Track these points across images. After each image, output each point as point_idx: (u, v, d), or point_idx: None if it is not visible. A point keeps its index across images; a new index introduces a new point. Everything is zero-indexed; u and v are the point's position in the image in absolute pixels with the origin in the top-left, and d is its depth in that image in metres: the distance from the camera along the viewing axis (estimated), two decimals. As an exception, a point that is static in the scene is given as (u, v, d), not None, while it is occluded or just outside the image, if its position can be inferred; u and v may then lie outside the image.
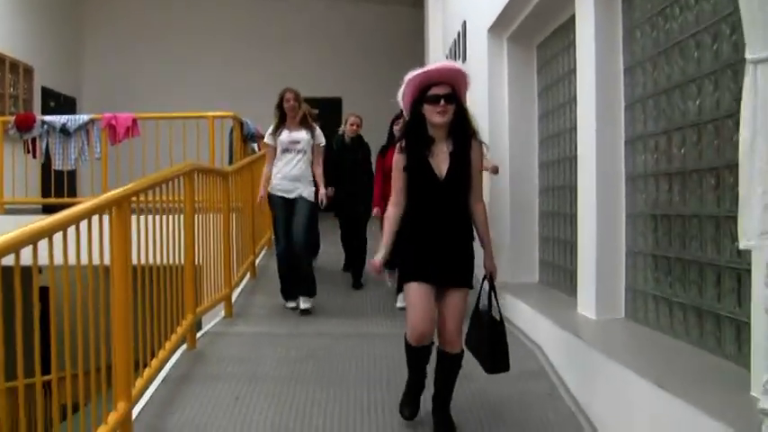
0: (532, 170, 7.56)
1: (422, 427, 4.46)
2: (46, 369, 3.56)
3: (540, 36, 7.41)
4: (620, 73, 5.21)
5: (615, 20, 5.24)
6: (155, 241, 5.02)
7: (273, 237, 8.26)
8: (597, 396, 4.49)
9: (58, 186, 10.87)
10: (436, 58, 12.52)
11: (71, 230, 3.53)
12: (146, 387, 4.76)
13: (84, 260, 3.70)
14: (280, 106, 7.71)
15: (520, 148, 7.61)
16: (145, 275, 4.68)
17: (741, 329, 3.68)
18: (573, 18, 5.81)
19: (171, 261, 5.36)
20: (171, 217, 5.49)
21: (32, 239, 3.09)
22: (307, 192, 7.62)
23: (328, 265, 9.47)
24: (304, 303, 7.54)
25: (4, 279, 2.98)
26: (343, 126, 9.07)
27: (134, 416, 4.36)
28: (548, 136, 7.21)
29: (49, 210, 11.33)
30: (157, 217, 5.08)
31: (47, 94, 14.97)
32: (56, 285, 3.36)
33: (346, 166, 8.77)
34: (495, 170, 6.84)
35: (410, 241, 4.29)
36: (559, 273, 6.72)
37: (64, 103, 15.67)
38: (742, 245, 2.71)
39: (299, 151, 7.62)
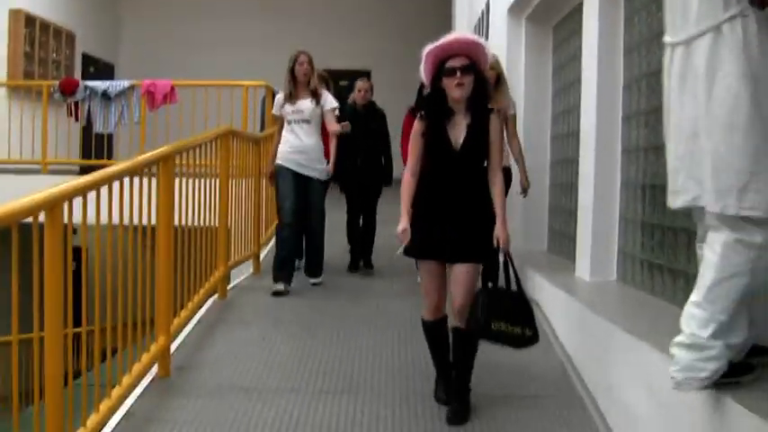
0: (545, 144, 8.01)
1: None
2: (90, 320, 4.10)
3: (556, 17, 7.84)
4: (620, 55, 5.66)
5: (617, 6, 5.69)
6: (193, 202, 5.60)
7: (278, 212, 7.42)
8: (584, 346, 5.01)
9: (97, 149, 11.50)
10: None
11: (116, 186, 4.06)
12: (182, 327, 5.35)
13: (127, 215, 4.24)
14: (292, 70, 7.12)
15: (534, 122, 8.02)
16: (184, 233, 5.24)
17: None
18: (584, 2, 6.26)
19: (206, 223, 5.98)
20: (207, 180, 6.08)
21: (80, 193, 3.57)
22: (318, 171, 7.15)
23: (331, 260, 7.98)
24: (314, 279, 7.37)
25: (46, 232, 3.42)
26: (352, 94, 8.20)
27: (171, 351, 4.94)
28: (560, 112, 7.64)
29: (86, 171, 11.97)
30: (195, 180, 5.65)
31: (87, 59, 15.56)
32: (101, 239, 3.90)
33: (358, 136, 7.75)
34: (524, 190, 6.88)
35: (421, 215, 4.29)
36: (564, 240, 7.18)
37: (103, 69, 16.26)
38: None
39: (303, 121, 7.08)
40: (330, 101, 7.26)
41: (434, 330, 4.44)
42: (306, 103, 7.09)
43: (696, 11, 2.83)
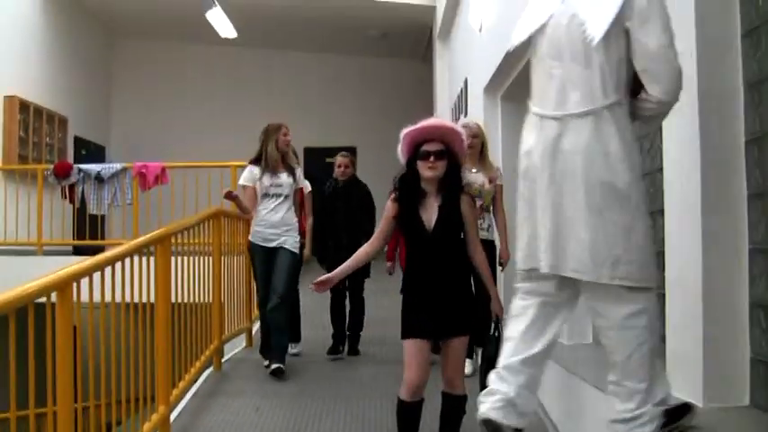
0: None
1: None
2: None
3: (528, 96, 8.24)
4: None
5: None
6: (187, 280, 5.93)
7: (256, 292, 7.33)
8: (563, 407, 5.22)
9: (90, 229, 11.83)
10: (443, 110, 13.43)
11: (117, 266, 4.38)
12: (180, 398, 5.62)
13: (128, 293, 4.56)
14: (276, 141, 6.91)
15: (510, 194, 8.37)
16: (180, 309, 5.56)
17: None
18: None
19: (201, 299, 6.30)
20: (200, 258, 6.41)
21: (88, 273, 3.91)
22: (291, 241, 6.91)
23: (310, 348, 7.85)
24: (293, 348, 7.35)
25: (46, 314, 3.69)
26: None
27: (171, 420, 5.21)
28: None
29: (79, 251, 12.32)
30: (189, 258, 5.98)
31: (78, 142, 15.93)
32: (106, 318, 4.20)
33: (340, 213, 7.59)
34: (502, 263, 6.65)
35: (407, 295, 4.45)
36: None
37: (94, 151, 16.61)
38: None
39: (281, 195, 6.90)
40: (303, 180, 7.27)
41: (410, 413, 4.42)
42: (284, 177, 6.95)
43: (577, 94, 3.06)
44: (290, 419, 5.62)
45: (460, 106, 11.19)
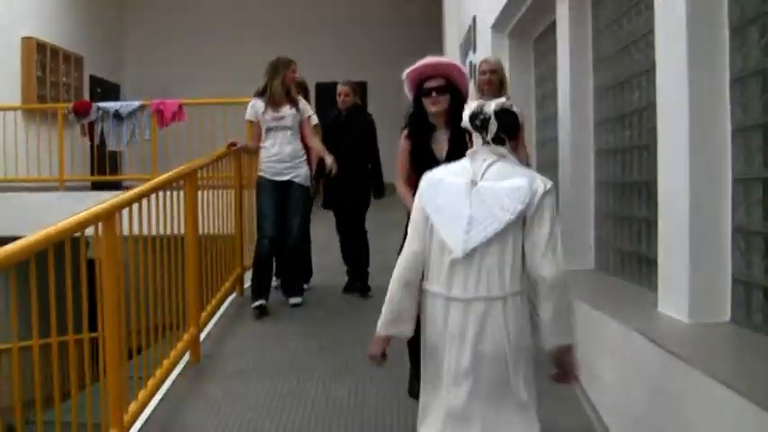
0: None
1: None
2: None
3: (534, 33, 8.51)
4: (590, 66, 6.32)
5: (585, 25, 6.35)
6: (211, 213, 6.31)
7: (256, 227, 7.21)
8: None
9: (110, 165, 12.20)
10: (452, 47, 13.67)
11: (151, 200, 4.72)
12: (207, 321, 6.04)
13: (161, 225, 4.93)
14: (282, 77, 6.93)
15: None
16: (204, 240, 5.95)
17: None
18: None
19: (223, 230, 6.67)
20: (222, 192, 6.77)
21: (128, 205, 4.27)
22: (302, 174, 6.97)
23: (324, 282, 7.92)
24: (294, 299, 7.05)
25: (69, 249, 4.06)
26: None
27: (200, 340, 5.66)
28: (544, 118, 8.30)
29: (97, 186, 12.72)
30: (211, 192, 6.36)
31: (94, 81, 16.21)
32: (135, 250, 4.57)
33: (341, 143, 7.28)
34: None
35: None
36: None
37: (109, 89, 16.91)
38: None
39: (285, 128, 6.93)
40: (308, 109, 7.18)
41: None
42: (287, 110, 6.94)
43: (489, 281, 3.13)
44: (309, 340, 6.07)
45: (469, 43, 11.41)
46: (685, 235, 3.84)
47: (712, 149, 3.79)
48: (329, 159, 6.86)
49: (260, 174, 7.02)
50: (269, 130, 6.95)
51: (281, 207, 6.92)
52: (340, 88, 7.60)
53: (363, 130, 7.57)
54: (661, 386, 3.61)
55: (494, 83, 6.40)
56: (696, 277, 3.81)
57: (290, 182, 6.91)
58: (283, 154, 6.90)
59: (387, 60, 16.87)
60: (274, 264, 7.22)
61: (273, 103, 6.94)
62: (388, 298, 3.32)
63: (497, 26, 8.96)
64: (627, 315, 4.28)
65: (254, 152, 7.16)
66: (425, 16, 17.22)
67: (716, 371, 3.08)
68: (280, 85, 6.92)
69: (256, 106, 7.04)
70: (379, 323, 3.37)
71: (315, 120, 7.37)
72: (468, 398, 3.12)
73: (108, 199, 4.00)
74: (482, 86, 6.41)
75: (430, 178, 3.45)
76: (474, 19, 10.69)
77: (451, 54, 13.84)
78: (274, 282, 7.34)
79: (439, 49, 15.59)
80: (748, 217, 3.67)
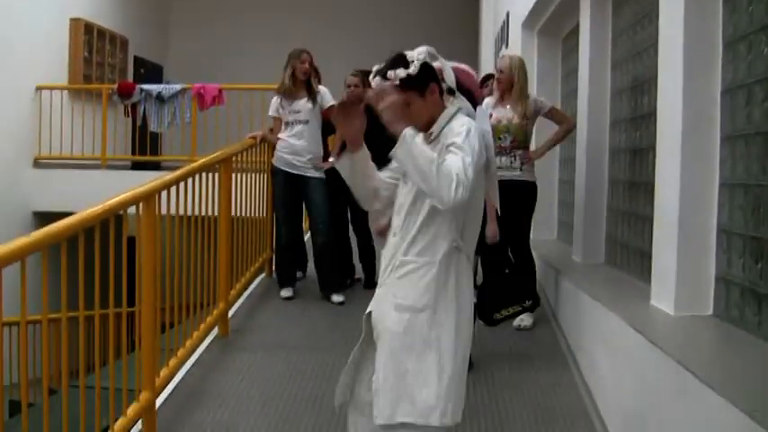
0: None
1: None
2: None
3: (563, 31, 8.80)
4: (608, 68, 6.61)
5: (606, 27, 6.63)
6: (244, 195, 6.70)
7: (275, 223, 7.40)
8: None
9: (151, 145, 12.68)
10: (487, 41, 13.95)
11: (188, 183, 5.10)
12: (236, 299, 6.45)
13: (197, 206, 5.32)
14: (291, 69, 6.92)
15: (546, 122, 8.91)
16: (236, 222, 6.32)
17: None
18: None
19: (254, 213, 7.04)
20: (254, 175, 7.14)
21: (167, 187, 4.65)
22: (318, 170, 6.90)
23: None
24: (337, 296, 6.89)
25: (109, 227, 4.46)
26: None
27: (229, 316, 6.06)
28: (571, 113, 8.55)
29: (137, 165, 13.20)
30: (244, 175, 6.73)
31: (137, 62, 16.66)
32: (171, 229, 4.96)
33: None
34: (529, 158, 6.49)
35: None
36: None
37: (152, 70, 17.33)
38: None
39: (300, 122, 6.88)
40: (328, 98, 6.99)
41: None
42: (302, 103, 6.90)
43: None
44: (332, 318, 6.47)
45: (503, 38, 11.69)
46: (674, 233, 4.16)
47: (702, 155, 4.11)
48: (328, 162, 6.79)
49: (273, 163, 7.05)
50: (287, 123, 6.95)
51: (296, 200, 6.98)
52: (349, 79, 7.15)
53: (374, 123, 7.35)
54: (643, 373, 3.94)
55: (501, 83, 6.41)
56: (682, 273, 4.14)
57: (304, 177, 6.89)
58: (297, 147, 6.86)
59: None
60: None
61: (287, 97, 6.95)
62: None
63: (527, 23, 9.26)
64: (621, 306, 4.61)
65: (273, 144, 7.11)
66: (462, 8, 17.48)
67: (690, 360, 3.37)
68: (288, 78, 6.91)
69: (275, 101, 7.07)
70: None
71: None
72: None
73: (150, 180, 4.38)
74: (496, 84, 6.52)
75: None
76: (507, 15, 10.97)
77: (486, 48, 14.14)
78: (298, 274, 7.46)
79: (474, 42, 15.89)
80: (731, 219, 3.98)
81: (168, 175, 4.67)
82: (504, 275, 5.63)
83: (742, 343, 3.67)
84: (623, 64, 6.27)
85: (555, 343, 5.98)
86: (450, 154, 2.87)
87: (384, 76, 3.08)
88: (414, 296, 3.02)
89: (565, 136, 6.72)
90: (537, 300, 5.94)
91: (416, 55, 3.11)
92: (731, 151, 4.00)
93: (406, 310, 3.02)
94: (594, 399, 4.92)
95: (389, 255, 3.13)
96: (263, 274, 7.67)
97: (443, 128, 3.09)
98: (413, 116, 3.04)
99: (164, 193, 4.54)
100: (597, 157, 6.60)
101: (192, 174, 5.09)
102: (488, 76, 7.82)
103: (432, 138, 3.07)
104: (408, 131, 2.86)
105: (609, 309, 4.66)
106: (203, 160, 5.48)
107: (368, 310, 3.19)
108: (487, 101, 6.43)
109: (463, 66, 5.15)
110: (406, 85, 3.06)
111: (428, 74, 3.14)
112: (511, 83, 6.38)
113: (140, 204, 4.19)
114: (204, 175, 5.44)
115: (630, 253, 5.85)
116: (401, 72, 3.06)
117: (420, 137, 2.89)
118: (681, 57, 4.15)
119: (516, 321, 6.15)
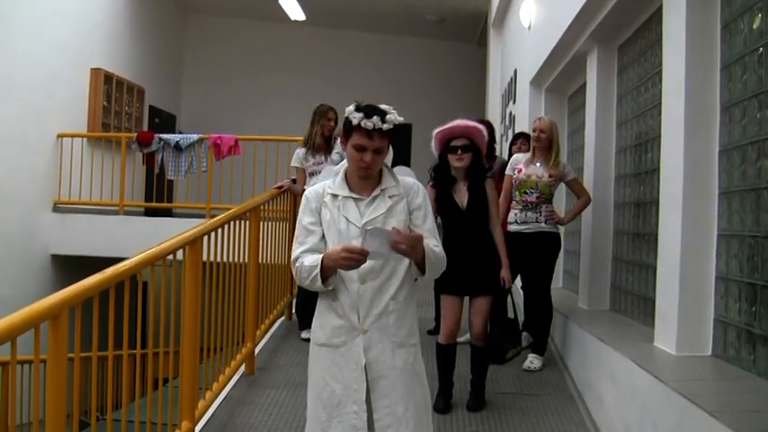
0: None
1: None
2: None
3: (569, 90, 9.23)
4: (613, 126, 7.00)
5: (611, 87, 7.04)
6: (268, 243, 7.04)
7: None
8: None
9: (168, 193, 13.04)
10: (494, 95, 14.41)
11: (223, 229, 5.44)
12: (261, 339, 6.78)
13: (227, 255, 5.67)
14: (320, 126, 7.35)
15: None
16: (262, 268, 6.68)
17: None
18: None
19: (275, 260, 7.38)
20: (277, 224, 7.50)
21: (208, 232, 5.01)
22: None
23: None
24: None
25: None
26: None
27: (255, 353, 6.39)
28: (576, 167, 8.92)
29: (150, 212, 13.55)
30: (268, 224, 7.08)
31: (153, 111, 17.11)
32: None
33: None
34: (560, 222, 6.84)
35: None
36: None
37: (166, 119, 17.79)
38: None
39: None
40: (335, 160, 7.10)
41: (446, 353, 5.56)
42: (322, 156, 7.35)
43: None
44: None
45: (510, 93, 12.14)
46: (676, 279, 4.55)
47: (702, 208, 4.50)
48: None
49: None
50: (311, 174, 7.36)
51: None
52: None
53: None
54: (647, 405, 4.27)
55: (542, 141, 6.62)
56: (683, 316, 4.52)
57: None
58: None
59: (432, 104, 17.52)
60: None
61: (314, 150, 7.41)
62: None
63: (535, 81, 9.69)
64: (627, 346, 4.96)
65: (299, 194, 7.29)
66: (470, 62, 17.93)
67: (695, 394, 3.70)
68: (318, 135, 7.36)
69: (300, 153, 7.49)
70: None
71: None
72: None
73: (193, 226, 4.73)
74: (533, 142, 6.74)
75: None
76: (515, 72, 11.42)
77: (493, 103, 14.58)
78: None
79: (482, 96, 16.31)
80: (728, 267, 4.35)
81: (208, 222, 5.03)
82: (510, 318, 5.97)
83: (739, 379, 4.02)
84: (628, 123, 6.65)
85: (562, 382, 6.30)
86: (433, 239, 3.41)
87: (383, 119, 3.30)
88: (407, 333, 3.48)
89: (584, 208, 6.91)
90: (544, 345, 6.56)
91: (390, 109, 3.36)
92: (728, 205, 4.39)
93: (406, 346, 3.47)
94: (599, 429, 5.24)
95: (368, 300, 3.36)
96: (282, 317, 7.99)
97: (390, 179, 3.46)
98: (379, 163, 3.38)
99: (204, 239, 4.89)
100: (603, 209, 6.98)
101: (228, 221, 5.46)
102: (519, 135, 8.32)
103: (385, 192, 3.42)
104: (426, 251, 3.29)
105: (615, 348, 5.00)
106: (236, 209, 5.85)
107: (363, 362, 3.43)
108: (517, 157, 6.86)
109: (480, 125, 5.59)
110: (388, 133, 3.33)
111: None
112: (549, 142, 6.65)
113: (186, 248, 4.54)
114: (237, 222, 5.81)
115: (634, 299, 6.20)
116: (399, 118, 3.34)
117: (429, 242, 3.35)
118: (682, 118, 4.56)
119: (526, 363, 6.53)
